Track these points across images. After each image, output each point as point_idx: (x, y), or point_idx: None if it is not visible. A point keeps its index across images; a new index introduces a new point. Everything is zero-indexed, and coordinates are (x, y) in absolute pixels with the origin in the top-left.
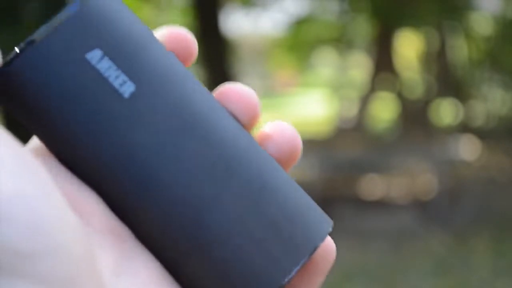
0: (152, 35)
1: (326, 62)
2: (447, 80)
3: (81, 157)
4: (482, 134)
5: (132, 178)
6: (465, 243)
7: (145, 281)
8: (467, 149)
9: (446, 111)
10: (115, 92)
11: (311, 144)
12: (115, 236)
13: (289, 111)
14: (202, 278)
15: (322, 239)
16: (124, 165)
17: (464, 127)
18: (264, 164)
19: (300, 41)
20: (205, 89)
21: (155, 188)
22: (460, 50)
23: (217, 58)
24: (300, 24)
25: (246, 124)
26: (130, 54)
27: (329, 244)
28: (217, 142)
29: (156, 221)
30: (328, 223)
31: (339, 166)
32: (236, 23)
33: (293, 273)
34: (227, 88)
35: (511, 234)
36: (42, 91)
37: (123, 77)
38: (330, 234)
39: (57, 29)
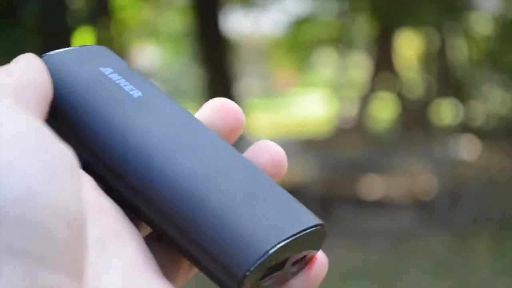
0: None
1: (326, 62)
2: (447, 80)
3: (89, 139)
4: (482, 134)
5: (140, 158)
6: (465, 243)
7: (131, 259)
8: (467, 149)
9: (446, 111)
10: (126, 93)
11: (311, 144)
12: (106, 214)
13: (289, 111)
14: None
15: (292, 232)
16: (132, 146)
17: (464, 127)
18: (243, 159)
19: (300, 41)
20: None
21: (157, 165)
22: (460, 50)
23: (217, 58)
24: (300, 24)
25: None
26: (134, 76)
27: (320, 256)
28: (205, 136)
29: (156, 193)
30: (310, 220)
31: (339, 166)
32: (236, 23)
33: (265, 255)
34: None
35: (511, 234)
36: (67, 83)
37: (131, 86)
38: (329, 234)
39: (79, 48)
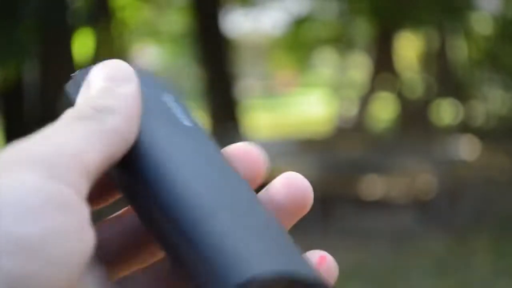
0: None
1: (326, 62)
2: (447, 80)
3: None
4: (482, 134)
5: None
6: (465, 243)
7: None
8: (467, 149)
9: (446, 111)
10: (178, 120)
11: (311, 144)
12: None
13: (289, 111)
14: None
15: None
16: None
17: (464, 127)
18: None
19: (300, 41)
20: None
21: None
22: (460, 50)
23: (217, 58)
24: (300, 24)
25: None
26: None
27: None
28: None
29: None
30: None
31: (339, 166)
32: (236, 23)
33: None
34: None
35: (511, 234)
36: None
37: (185, 117)
38: (329, 233)
39: (156, 76)
